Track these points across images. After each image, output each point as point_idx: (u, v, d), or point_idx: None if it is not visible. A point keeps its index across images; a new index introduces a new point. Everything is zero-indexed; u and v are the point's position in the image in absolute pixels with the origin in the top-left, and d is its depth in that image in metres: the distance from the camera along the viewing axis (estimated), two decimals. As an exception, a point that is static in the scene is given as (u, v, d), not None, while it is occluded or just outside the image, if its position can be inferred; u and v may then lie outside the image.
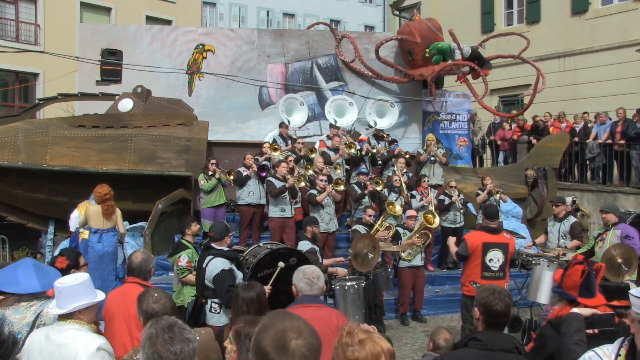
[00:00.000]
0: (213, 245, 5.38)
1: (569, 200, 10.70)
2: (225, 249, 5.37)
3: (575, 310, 3.21)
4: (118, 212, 7.52)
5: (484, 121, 15.48)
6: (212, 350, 3.22)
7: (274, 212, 8.95)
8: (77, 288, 3.09)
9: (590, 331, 3.03)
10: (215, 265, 5.13)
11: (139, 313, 3.29)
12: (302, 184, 9.19)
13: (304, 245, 7.03)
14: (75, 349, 2.90)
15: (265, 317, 1.92)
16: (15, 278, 3.52)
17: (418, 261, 8.14)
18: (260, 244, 6.46)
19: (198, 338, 3.14)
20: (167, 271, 8.71)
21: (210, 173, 9.10)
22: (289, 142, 10.64)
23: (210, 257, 5.26)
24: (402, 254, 8.10)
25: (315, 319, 3.14)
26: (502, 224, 10.02)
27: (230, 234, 5.50)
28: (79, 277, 3.19)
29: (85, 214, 7.40)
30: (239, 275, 5.34)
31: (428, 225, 8.14)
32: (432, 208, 8.90)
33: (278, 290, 5.11)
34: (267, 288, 4.96)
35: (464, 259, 6.15)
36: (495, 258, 6.01)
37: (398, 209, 8.37)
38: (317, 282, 3.49)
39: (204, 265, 5.26)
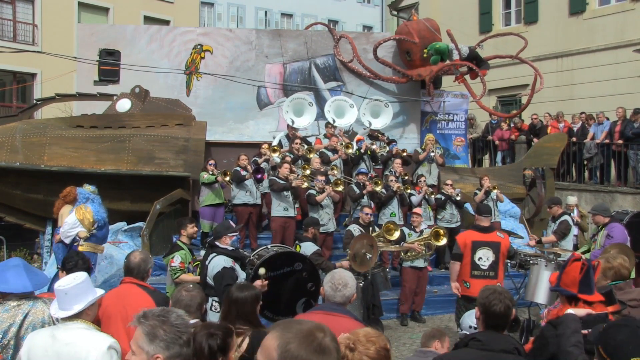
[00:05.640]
0: (217, 243, 5.40)
1: (573, 200, 10.70)
2: (230, 247, 5.38)
3: (570, 311, 3.21)
4: (64, 209, 7.45)
5: (480, 121, 15.53)
6: None
7: (277, 211, 8.88)
8: (80, 287, 3.10)
9: (585, 331, 3.03)
10: (217, 263, 5.15)
11: (172, 303, 3.38)
12: (305, 184, 9.16)
13: (309, 247, 7.01)
14: (87, 348, 2.89)
15: (274, 331, 1.76)
16: (3, 277, 3.49)
17: (421, 263, 8.13)
18: (268, 247, 6.49)
19: None
20: (165, 271, 8.68)
21: (210, 173, 9.16)
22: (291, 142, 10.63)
23: (214, 254, 5.27)
24: (402, 254, 8.09)
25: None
26: (500, 223, 10.07)
27: (230, 234, 5.50)
28: (78, 276, 3.18)
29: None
30: (242, 275, 5.35)
31: (435, 242, 8.00)
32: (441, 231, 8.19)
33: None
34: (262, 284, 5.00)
35: (460, 259, 6.13)
36: (485, 257, 6.02)
37: (396, 234, 7.81)
38: (342, 289, 3.28)
39: (206, 263, 5.28)
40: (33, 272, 3.61)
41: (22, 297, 3.46)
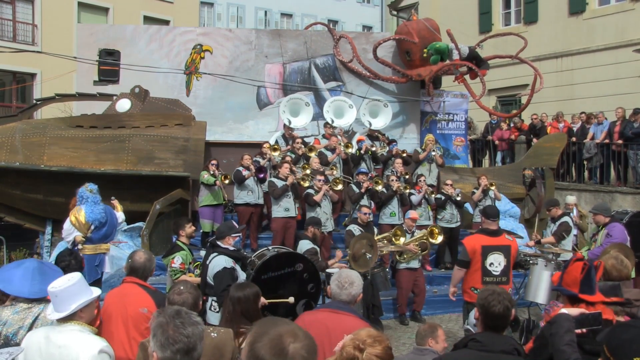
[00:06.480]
0: (218, 243, 5.40)
1: (572, 199, 10.69)
2: (231, 247, 5.39)
3: (564, 310, 3.22)
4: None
5: (477, 121, 15.53)
6: (228, 350, 3.23)
7: (277, 212, 8.88)
8: (72, 289, 3.06)
9: (578, 331, 3.03)
10: (218, 263, 5.16)
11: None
12: (307, 184, 9.12)
13: (305, 245, 7.04)
14: (77, 351, 2.88)
15: (255, 326, 1.83)
16: (11, 276, 3.42)
17: (415, 264, 8.11)
18: (269, 248, 6.48)
19: (215, 335, 3.18)
20: (164, 271, 8.67)
21: (210, 173, 9.16)
22: (291, 142, 10.64)
23: (215, 254, 5.28)
24: (397, 256, 8.08)
25: (334, 329, 3.04)
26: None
27: (233, 235, 5.49)
28: (72, 278, 3.15)
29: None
30: (242, 275, 5.35)
31: (430, 240, 8.01)
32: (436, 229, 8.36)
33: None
34: (264, 301, 4.97)
35: (466, 266, 5.82)
36: (497, 262, 5.71)
37: (402, 240, 7.96)
38: (349, 287, 3.29)
39: (207, 262, 5.29)
40: (46, 276, 3.45)
41: (33, 299, 3.39)
